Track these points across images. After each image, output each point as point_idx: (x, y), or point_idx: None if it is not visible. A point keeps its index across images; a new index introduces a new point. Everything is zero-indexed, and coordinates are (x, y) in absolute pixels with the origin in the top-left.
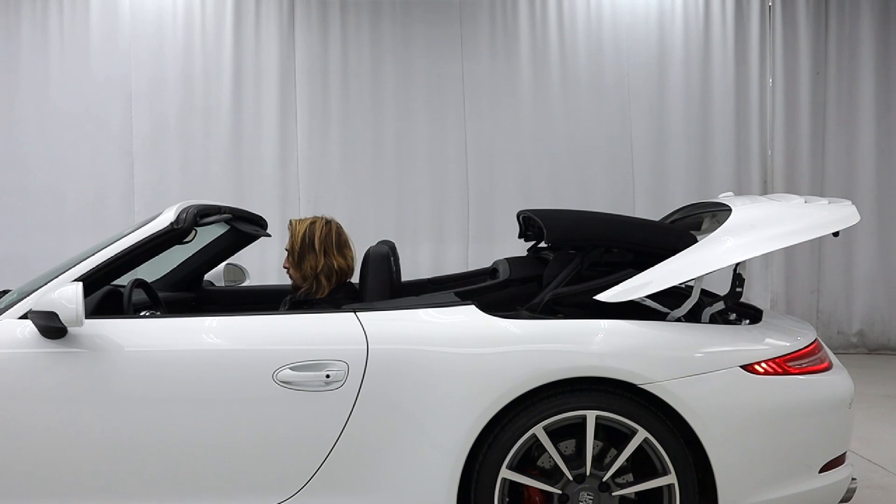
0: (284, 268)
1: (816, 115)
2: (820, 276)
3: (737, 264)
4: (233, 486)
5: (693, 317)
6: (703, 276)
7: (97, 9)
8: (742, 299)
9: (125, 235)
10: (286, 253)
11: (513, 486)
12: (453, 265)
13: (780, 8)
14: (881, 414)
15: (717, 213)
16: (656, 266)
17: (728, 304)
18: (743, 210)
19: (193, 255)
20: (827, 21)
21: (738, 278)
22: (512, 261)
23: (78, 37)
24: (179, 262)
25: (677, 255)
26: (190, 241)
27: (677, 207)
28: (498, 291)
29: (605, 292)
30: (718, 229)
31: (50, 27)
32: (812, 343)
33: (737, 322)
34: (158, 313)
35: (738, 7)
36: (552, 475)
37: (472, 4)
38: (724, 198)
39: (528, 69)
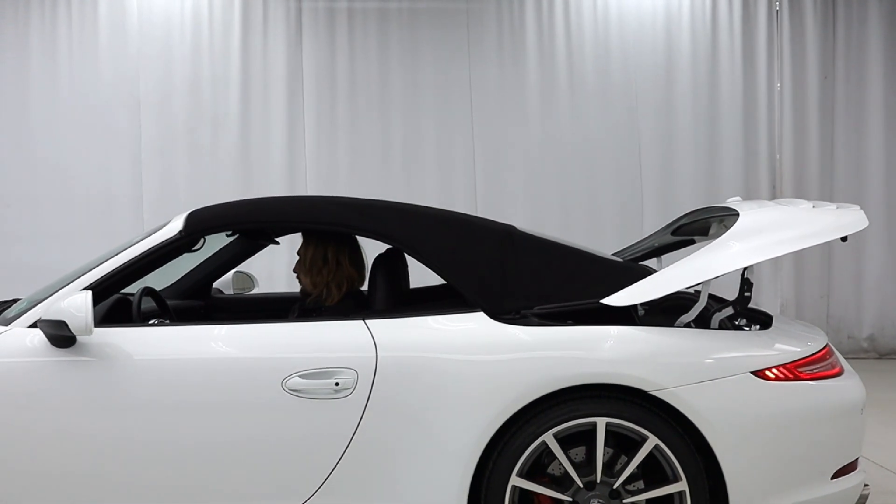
0: (294, 272)
1: (825, 119)
2: (830, 281)
3: (745, 269)
4: (241, 493)
5: (703, 323)
6: (710, 280)
7: (105, 18)
8: (751, 304)
9: (134, 244)
10: (297, 257)
11: (523, 493)
12: None
13: (788, 11)
14: (893, 419)
15: (724, 218)
16: (662, 270)
17: (737, 310)
18: (750, 214)
19: (202, 263)
20: (834, 24)
21: (746, 283)
22: None
23: (86, 46)
24: (188, 270)
25: (683, 259)
26: (198, 249)
27: (685, 212)
28: None
29: (612, 296)
30: (725, 234)
31: (58, 36)
32: (823, 348)
33: (747, 328)
34: (167, 322)
35: (746, 11)
36: (562, 482)
37: (478, 10)
38: (732, 202)
39: (536, 74)
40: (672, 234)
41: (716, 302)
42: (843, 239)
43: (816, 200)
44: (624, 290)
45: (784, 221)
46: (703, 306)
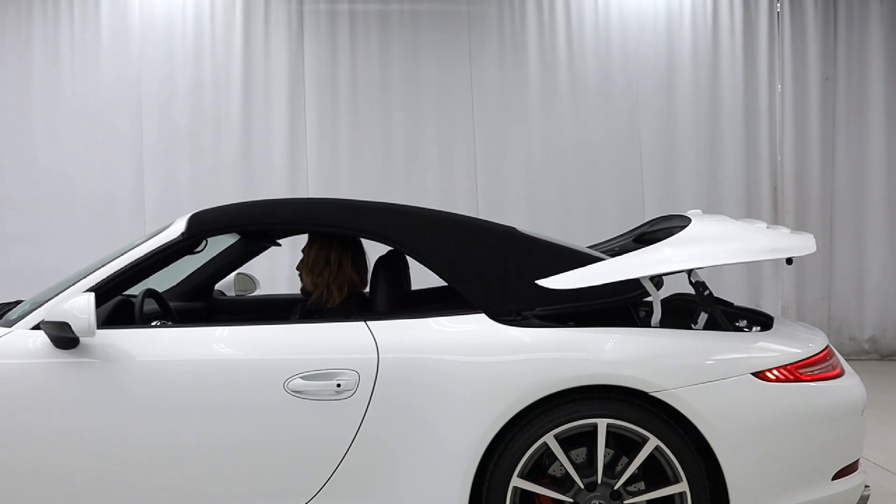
0: (297, 270)
1: (826, 121)
2: (831, 282)
3: (689, 275)
4: (243, 494)
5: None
6: (646, 278)
7: (107, 20)
8: (753, 306)
9: (136, 246)
10: (302, 255)
11: (524, 494)
12: None
13: (789, 13)
14: (894, 420)
15: (685, 227)
16: (598, 263)
17: (709, 311)
18: (698, 225)
19: (204, 264)
20: (836, 26)
21: (700, 285)
22: None
23: (89, 49)
24: (190, 271)
25: (620, 257)
26: (201, 251)
27: (647, 220)
28: None
29: (549, 278)
30: (664, 240)
31: (60, 39)
32: (824, 349)
33: (747, 329)
34: (169, 323)
35: (747, 12)
36: (563, 483)
37: (479, 12)
38: (692, 213)
39: (537, 76)
40: (635, 242)
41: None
42: (789, 262)
43: (777, 224)
44: (559, 275)
45: (728, 235)
46: (658, 301)
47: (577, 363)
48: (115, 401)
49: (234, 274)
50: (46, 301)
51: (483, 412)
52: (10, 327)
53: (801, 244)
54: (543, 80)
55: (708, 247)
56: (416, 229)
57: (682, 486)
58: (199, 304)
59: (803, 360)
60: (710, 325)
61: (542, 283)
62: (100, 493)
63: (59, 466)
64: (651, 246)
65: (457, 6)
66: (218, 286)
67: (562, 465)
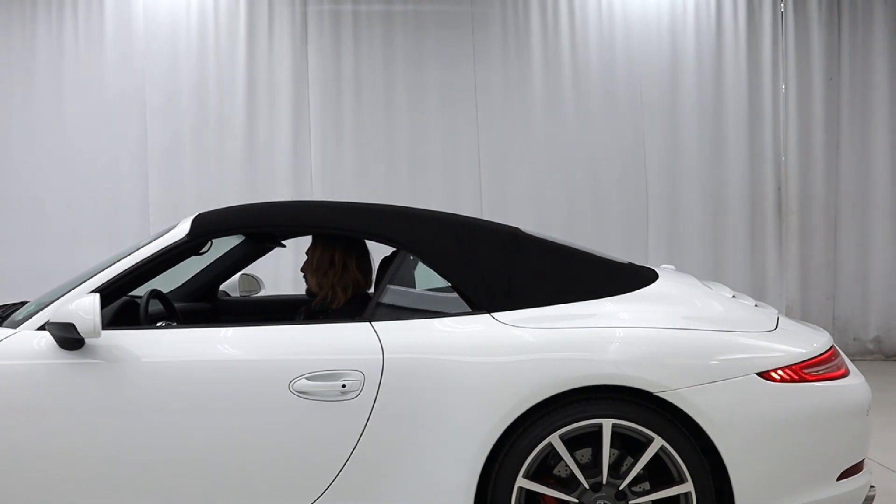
0: (301, 271)
1: (830, 121)
2: (836, 282)
3: None
4: (248, 495)
5: None
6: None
7: (111, 23)
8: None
9: (141, 247)
10: (306, 256)
11: (529, 494)
12: None
13: (793, 14)
14: None
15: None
16: (554, 306)
17: None
18: (660, 283)
19: (209, 265)
20: (839, 27)
21: None
22: None
23: (93, 51)
24: (195, 272)
25: (578, 303)
26: (205, 252)
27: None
28: None
29: (503, 312)
30: (608, 297)
31: (65, 42)
32: (828, 350)
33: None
34: (174, 324)
35: (750, 13)
36: (568, 484)
37: (483, 13)
38: (663, 269)
39: (541, 77)
40: None
41: None
42: None
43: (742, 294)
44: (520, 310)
45: (684, 298)
46: None
47: (581, 363)
48: (119, 401)
49: (238, 275)
50: (51, 302)
51: (488, 412)
52: (15, 328)
53: (758, 319)
54: (547, 81)
55: (657, 307)
56: (419, 230)
57: (688, 487)
58: (204, 305)
59: (808, 360)
60: None
61: (496, 316)
62: (104, 494)
63: (63, 466)
64: (595, 300)
65: (460, 7)
66: (223, 287)
67: (567, 465)
